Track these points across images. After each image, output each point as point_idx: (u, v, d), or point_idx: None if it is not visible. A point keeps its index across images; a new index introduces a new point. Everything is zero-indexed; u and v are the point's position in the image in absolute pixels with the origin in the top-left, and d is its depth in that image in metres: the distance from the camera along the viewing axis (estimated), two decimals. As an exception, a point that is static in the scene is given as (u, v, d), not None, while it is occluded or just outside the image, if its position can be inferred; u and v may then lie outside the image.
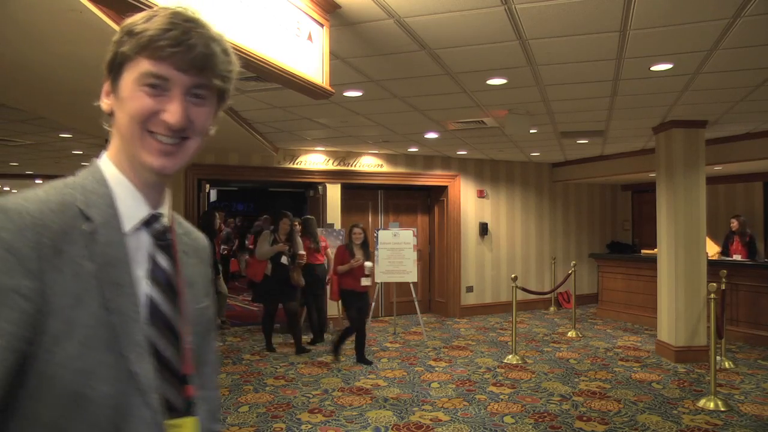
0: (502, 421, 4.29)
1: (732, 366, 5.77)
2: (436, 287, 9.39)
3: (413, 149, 8.06)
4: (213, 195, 15.52)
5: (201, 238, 1.01)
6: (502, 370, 5.74)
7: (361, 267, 5.97)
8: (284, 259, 6.35)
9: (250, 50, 2.28)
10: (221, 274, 7.70)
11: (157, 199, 0.87)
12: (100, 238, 0.77)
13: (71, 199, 0.78)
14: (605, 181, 10.07)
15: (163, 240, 0.86)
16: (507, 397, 4.89)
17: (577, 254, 10.05)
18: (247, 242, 11.38)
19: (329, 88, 2.87)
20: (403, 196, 9.38)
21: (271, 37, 2.42)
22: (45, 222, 0.72)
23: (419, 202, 9.53)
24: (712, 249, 7.48)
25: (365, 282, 6.01)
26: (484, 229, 9.16)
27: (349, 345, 6.21)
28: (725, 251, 7.87)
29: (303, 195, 8.66)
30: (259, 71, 2.47)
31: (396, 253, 7.39)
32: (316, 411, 4.52)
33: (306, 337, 6.79)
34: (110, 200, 0.81)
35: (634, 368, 5.81)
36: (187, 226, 0.99)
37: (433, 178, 8.89)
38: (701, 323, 5.94)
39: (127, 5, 1.78)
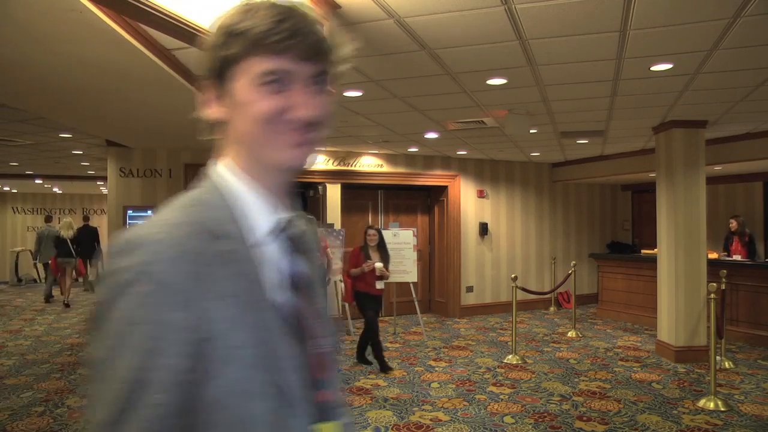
0: (502, 421, 4.29)
1: (732, 366, 5.77)
2: (436, 287, 9.39)
3: (413, 149, 8.07)
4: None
5: (316, 227, 0.98)
6: (502, 370, 5.74)
7: (373, 271, 5.85)
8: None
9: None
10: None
11: (283, 201, 0.83)
12: (236, 255, 0.73)
13: (200, 218, 0.73)
14: (605, 181, 10.07)
15: (296, 243, 0.83)
16: (507, 397, 4.89)
17: (577, 254, 10.05)
18: None
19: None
20: (403, 196, 9.38)
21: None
22: (185, 248, 0.69)
23: (419, 202, 9.53)
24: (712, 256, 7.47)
25: (379, 285, 5.89)
26: (484, 229, 9.16)
27: (349, 345, 6.20)
28: (725, 252, 7.88)
29: (303, 195, 8.66)
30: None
31: (396, 253, 7.38)
32: (316, 411, 4.51)
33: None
34: (238, 213, 0.77)
35: (634, 368, 5.81)
36: (304, 218, 0.93)
37: (433, 178, 8.89)
38: (701, 323, 5.94)
39: (127, 5, 1.78)
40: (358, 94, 4.69)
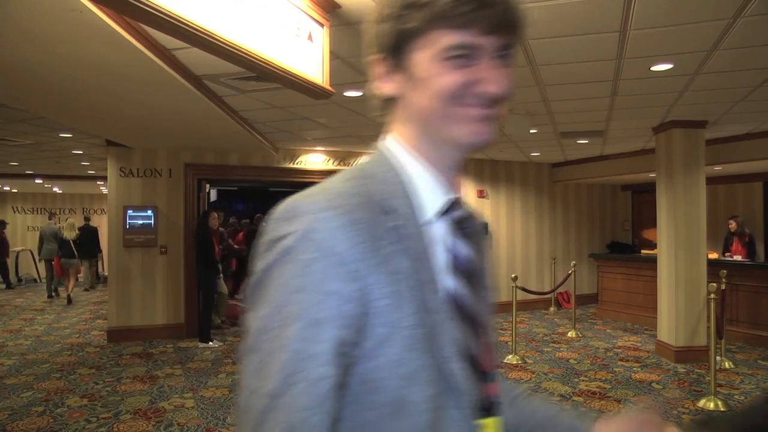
0: (502, 421, 4.29)
1: (732, 366, 5.77)
2: (436, 287, 9.37)
3: (413, 149, 8.06)
4: (213, 195, 15.52)
5: (484, 221, 0.94)
6: (502, 370, 5.74)
7: None
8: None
9: (251, 50, 2.28)
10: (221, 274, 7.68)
11: (455, 182, 0.79)
12: (404, 231, 0.70)
13: (369, 191, 0.71)
14: (605, 181, 10.07)
15: (465, 226, 0.79)
16: (507, 397, 4.88)
17: (577, 254, 10.05)
18: (232, 241, 10.59)
19: (329, 88, 2.88)
20: (403, 196, 9.37)
21: (271, 38, 2.42)
22: (353, 218, 0.66)
23: (419, 202, 9.51)
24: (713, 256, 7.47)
25: None
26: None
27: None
28: (727, 253, 7.88)
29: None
30: (259, 71, 2.48)
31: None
32: (316, 411, 4.52)
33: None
34: (408, 189, 0.74)
35: (634, 368, 5.81)
36: (472, 208, 0.88)
37: (433, 178, 8.88)
38: (701, 323, 5.94)
39: (127, 5, 1.78)
40: (358, 94, 4.69)
